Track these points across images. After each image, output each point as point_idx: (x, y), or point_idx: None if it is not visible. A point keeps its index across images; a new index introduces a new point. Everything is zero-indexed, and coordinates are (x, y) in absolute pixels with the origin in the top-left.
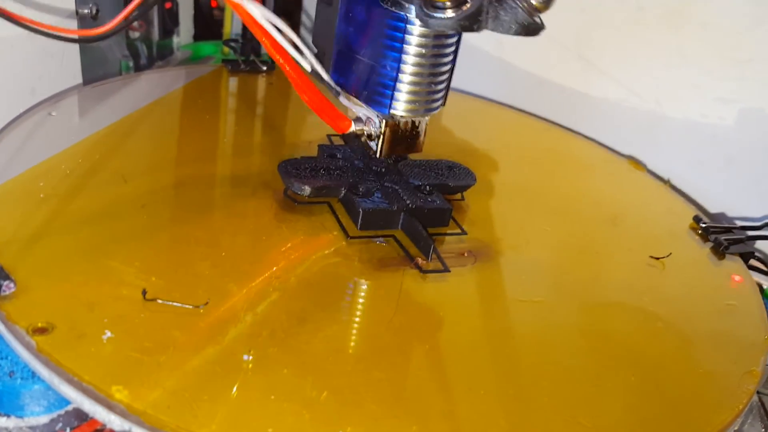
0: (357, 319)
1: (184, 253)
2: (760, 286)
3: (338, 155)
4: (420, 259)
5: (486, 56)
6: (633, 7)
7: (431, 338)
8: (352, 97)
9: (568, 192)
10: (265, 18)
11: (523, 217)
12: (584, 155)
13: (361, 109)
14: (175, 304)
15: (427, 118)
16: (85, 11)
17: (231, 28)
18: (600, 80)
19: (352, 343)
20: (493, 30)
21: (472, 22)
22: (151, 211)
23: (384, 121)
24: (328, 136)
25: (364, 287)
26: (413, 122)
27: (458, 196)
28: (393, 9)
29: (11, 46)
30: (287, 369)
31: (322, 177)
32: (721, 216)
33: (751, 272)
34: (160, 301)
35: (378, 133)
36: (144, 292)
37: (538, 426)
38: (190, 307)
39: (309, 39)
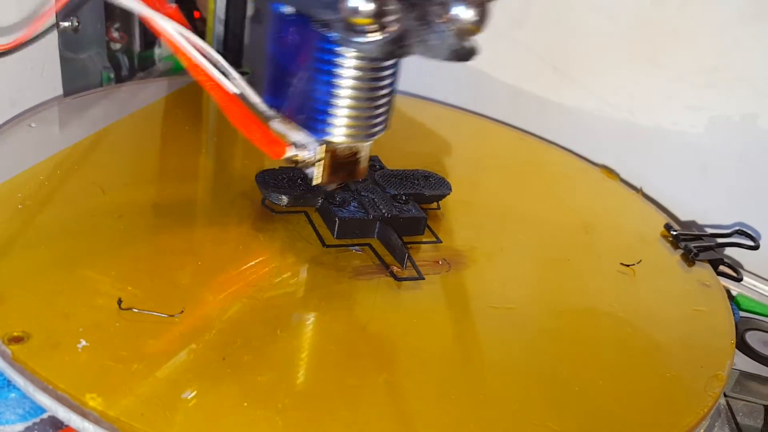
0: (331, 327)
1: (160, 262)
2: (728, 291)
3: None
4: (395, 267)
5: (461, 67)
6: (604, 16)
7: (405, 345)
8: (288, 122)
9: (541, 201)
10: (180, 35)
11: (498, 225)
12: (558, 165)
13: (298, 134)
14: (150, 312)
15: (368, 143)
16: (66, 24)
17: (212, 39)
18: (574, 90)
19: (326, 351)
20: (422, 55)
21: (397, 48)
22: (128, 222)
23: (323, 146)
24: None
25: (340, 295)
26: (353, 148)
27: (434, 205)
28: (324, 31)
29: None
30: (261, 376)
31: (300, 187)
32: (691, 224)
33: (720, 278)
34: (135, 310)
35: (316, 159)
36: (119, 302)
37: (508, 430)
38: (165, 316)
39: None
